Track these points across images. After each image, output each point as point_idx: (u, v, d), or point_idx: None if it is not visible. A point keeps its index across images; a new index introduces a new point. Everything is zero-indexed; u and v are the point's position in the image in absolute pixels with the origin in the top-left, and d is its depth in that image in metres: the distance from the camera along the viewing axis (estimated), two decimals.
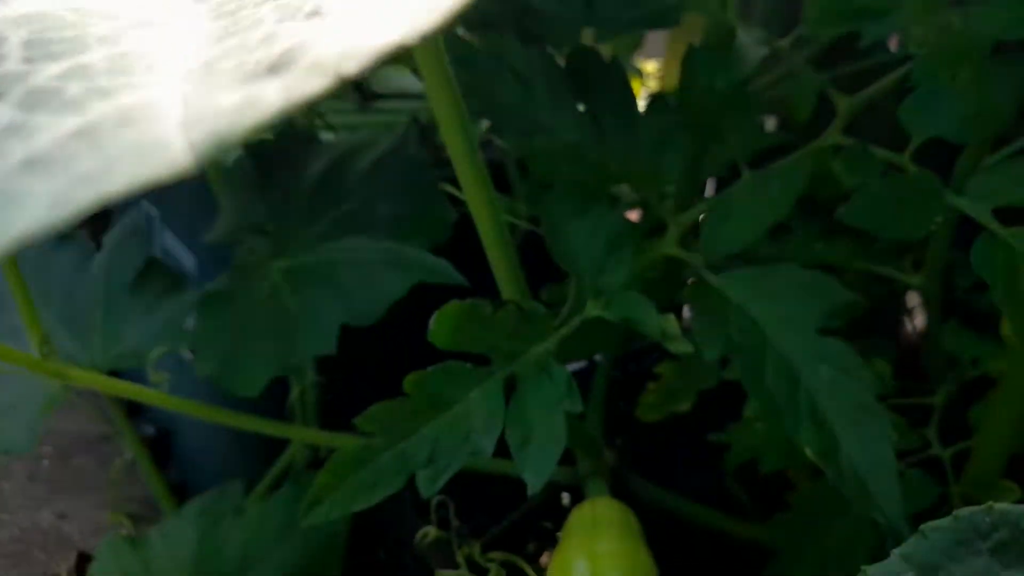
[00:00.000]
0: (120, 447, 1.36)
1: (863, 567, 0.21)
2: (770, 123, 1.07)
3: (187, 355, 0.79)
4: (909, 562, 0.21)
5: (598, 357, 1.05)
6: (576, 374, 1.10)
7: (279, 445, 1.07)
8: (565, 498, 0.85)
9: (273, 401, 0.97)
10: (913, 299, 1.21)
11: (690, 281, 0.56)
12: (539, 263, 0.72)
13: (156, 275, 0.97)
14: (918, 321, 1.17)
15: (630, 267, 0.57)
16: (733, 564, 0.78)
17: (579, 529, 0.65)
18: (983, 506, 0.21)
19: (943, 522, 0.21)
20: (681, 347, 0.53)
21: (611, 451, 0.81)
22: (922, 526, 0.21)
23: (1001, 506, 0.21)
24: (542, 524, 0.77)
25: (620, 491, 0.78)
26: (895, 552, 0.21)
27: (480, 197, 0.55)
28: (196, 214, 0.97)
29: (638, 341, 1.29)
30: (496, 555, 0.70)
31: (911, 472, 0.68)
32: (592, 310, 0.57)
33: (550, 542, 0.75)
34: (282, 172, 0.78)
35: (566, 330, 0.56)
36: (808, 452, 0.49)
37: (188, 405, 0.75)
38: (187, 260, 1.21)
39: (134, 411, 1.50)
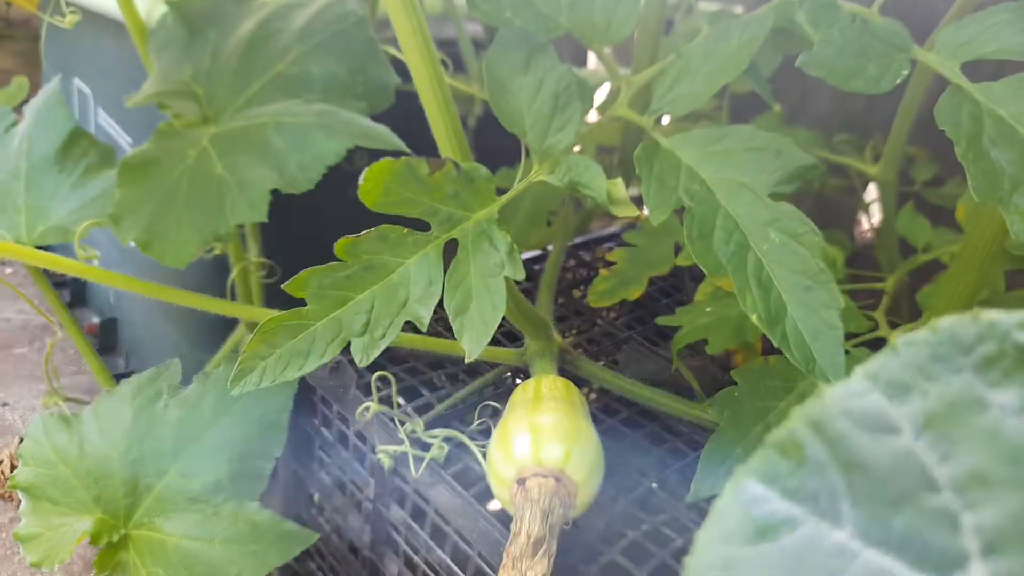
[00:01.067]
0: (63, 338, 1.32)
1: (824, 390, 0.19)
2: None
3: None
4: (875, 381, 0.18)
5: (550, 246, 1.03)
6: (528, 260, 1.08)
7: (226, 334, 1.04)
8: (512, 381, 0.84)
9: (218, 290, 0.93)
10: (871, 195, 1.20)
11: (641, 144, 0.53)
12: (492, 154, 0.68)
13: (82, 148, 0.91)
14: (875, 219, 1.16)
15: (577, 127, 0.53)
16: (679, 444, 0.78)
17: (522, 404, 0.64)
18: (966, 315, 0.18)
19: (919, 335, 0.18)
20: (627, 211, 0.50)
21: (560, 335, 0.80)
22: (895, 340, 0.19)
23: (990, 315, 0.18)
24: (488, 404, 0.76)
25: (568, 373, 0.77)
26: (858, 370, 0.19)
27: (417, 47, 0.51)
28: (130, 93, 0.91)
29: (591, 229, 1.25)
30: (439, 432, 0.69)
31: (857, 350, 0.68)
32: (538, 173, 0.54)
33: (496, 420, 0.74)
34: (210, 32, 0.72)
35: (510, 195, 0.53)
36: (754, 318, 0.47)
37: (117, 278, 0.72)
38: (122, 140, 1.15)
39: (78, 302, 1.46)
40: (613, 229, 1.15)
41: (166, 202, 0.64)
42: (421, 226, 0.54)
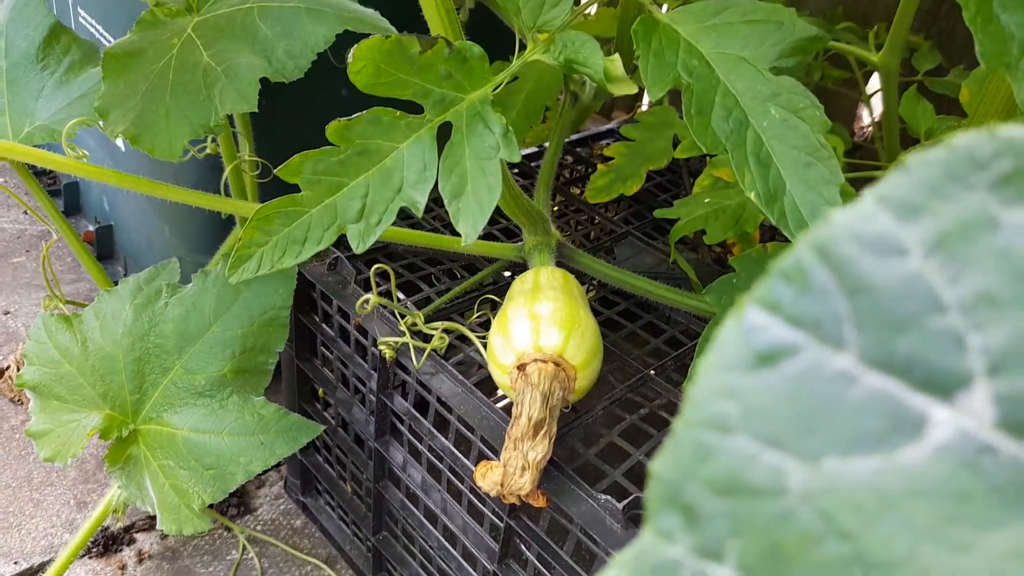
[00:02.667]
0: (60, 245, 1.32)
1: (832, 215, 0.18)
2: None
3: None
4: (885, 203, 0.18)
5: (546, 143, 1.01)
6: (525, 158, 1.06)
7: (222, 237, 1.04)
8: (510, 277, 0.85)
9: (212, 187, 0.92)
10: (872, 88, 1.18)
11: (639, 18, 0.51)
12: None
13: (64, 44, 0.88)
14: (876, 112, 1.14)
15: (572, 2, 0.51)
16: (676, 333, 0.79)
17: (521, 293, 0.65)
18: (983, 131, 0.17)
19: (932, 154, 0.18)
20: (624, 88, 0.49)
21: (559, 232, 0.80)
22: (904, 160, 0.18)
23: (1009, 130, 0.17)
24: (487, 297, 0.77)
25: (565, 267, 0.77)
26: (866, 193, 0.18)
27: None
28: None
29: (587, 127, 1.23)
30: (439, 324, 0.69)
31: None
32: (533, 52, 0.52)
33: (495, 313, 0.75)
34: None
35: (505, 74, 0.52)
36: (752, 196, 0.47)
37: (113, 175, 0.70)
38: (104, 39, 1.11)
39: (73, 210, 1.45)
40: (610, 125, 1.13)
41: (153, 93, 0.62)
42: (414, 110, 0.52)
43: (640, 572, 0.18)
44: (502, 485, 0.57)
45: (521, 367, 0.59)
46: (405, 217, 0.83)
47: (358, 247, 0.53)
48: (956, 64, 1.12)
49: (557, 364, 0.59)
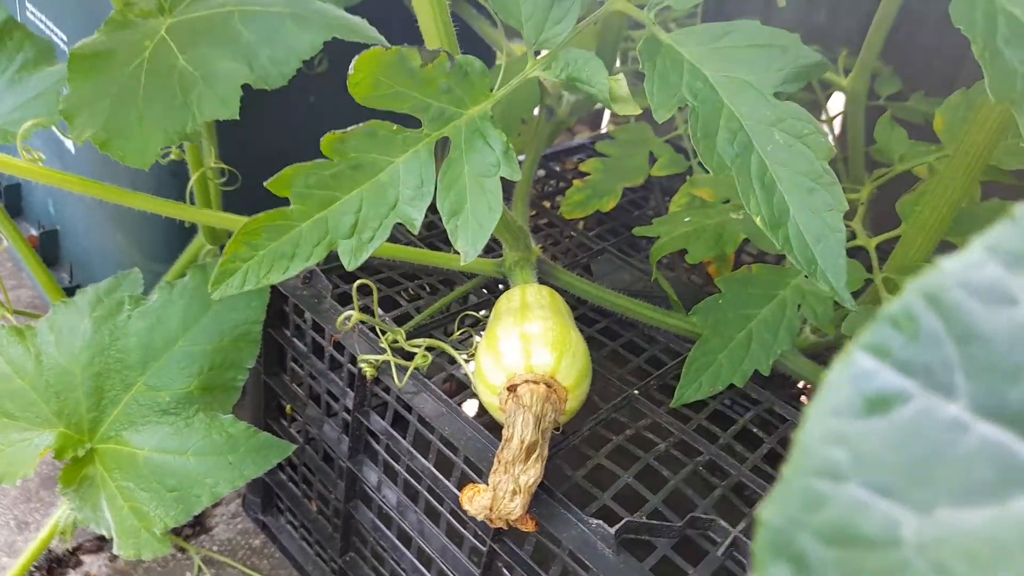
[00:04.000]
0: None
1: (940, 263, 0.18)
2: None
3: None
4: (994, 252, 0.17)
5: (522, 156, 1.00)
6: None
7: (180, 246, 1.00)
8: (490, 293, 0.83)
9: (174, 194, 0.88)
10: (835, 107, 1.20)
11: (643, 39, 0.50)
12: None
13: (16, 41, 0.84)
14: (835, 132, 1.17)
15: (576, 19, 0.50)
16: (657, 352, 0.78)
17: (509, 312, 0.63)
18: None
19: None
20: (628, 108, 0.48)
21: (537, 245, 0.79)
22: (1013, 209, 0.18)
23: None
24: (468, 314, 0.75)
25: (545, 284, 0.76)
26: (975, 242, 0.17)
27: None
28: None
29: (561, 139, 1.23)
30: (421, 341, 0.68)
31: None
32: (534, 68, 0.51)
33: (479, 330, 0.74)
34: None
35: (505, 90, 0.50)
36: (758, 220, 0.47)
37: (69, 179, 0.67)
38: (55, 35, 1.06)
39: (14, 213, 1.37)
40: (581, 140, 1.13)
41: (124, 97, 0.59)
42: (411, 124, 0.51)
43: None
44: (491, 509, 0.56)
45: (512, 388, 0.58)
46: None
47: (350, 263, 0.51)
48: (915, 89, 1.15)
49: (549, 385, 0.58)
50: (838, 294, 0.47)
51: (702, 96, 0.49)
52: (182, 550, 0.95)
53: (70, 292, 0.88)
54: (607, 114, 1.65)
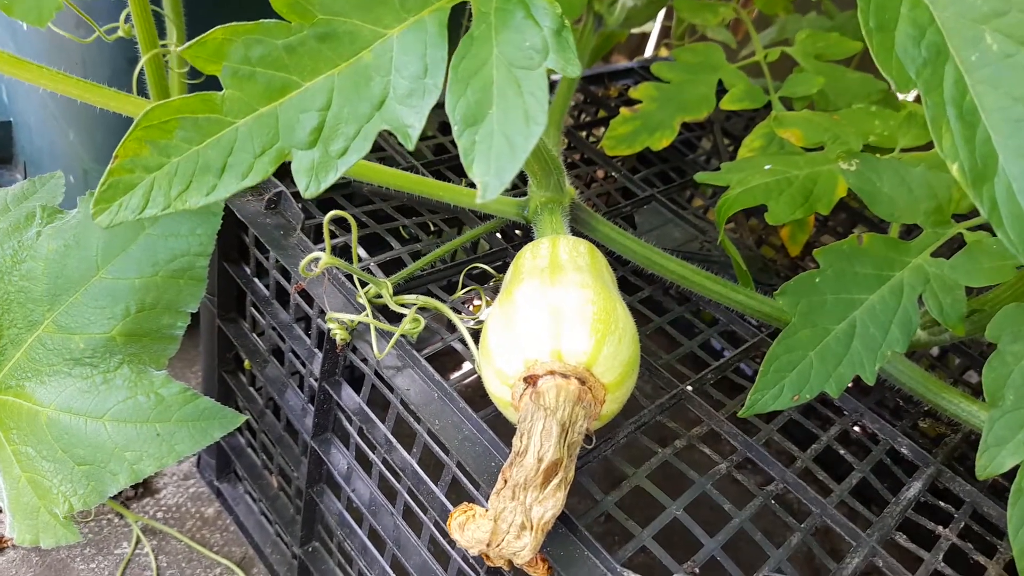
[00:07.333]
0: None
1: None
2: None
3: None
4: None
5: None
6: None
7: None
8: (507, 240, 0.66)
9: None
10: None
11: None
12: None
13: None
14: None
15: None
16: (713, 337, 0.62)
17: (534, 272, 0.46)
18: None
19: None
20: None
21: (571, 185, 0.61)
22: None
23: None
24: (477, 266, 0.59)
25: (577, 235, 0.60)
26: None
27: None
28: None
29: (610, 60, 1.03)
30: (412, 299, 0.51)
31: None
32: None
33: (487, 289, 0.57)
34: None
35: None
36: (954, 169, 0.30)
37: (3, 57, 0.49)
38: None
39: None
40: (632, 63, 0.94)
41: None
42: None
43: None
44: (488, 544, 0.40)
45: (531, 380, 0.41)
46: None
47: (308, 189, 0.34)
48: None
49: (582, 381, 0.41)
50: None
51: None
52: (120, 515, 0.80)
53: None
54: (654, 36, 1.45)
